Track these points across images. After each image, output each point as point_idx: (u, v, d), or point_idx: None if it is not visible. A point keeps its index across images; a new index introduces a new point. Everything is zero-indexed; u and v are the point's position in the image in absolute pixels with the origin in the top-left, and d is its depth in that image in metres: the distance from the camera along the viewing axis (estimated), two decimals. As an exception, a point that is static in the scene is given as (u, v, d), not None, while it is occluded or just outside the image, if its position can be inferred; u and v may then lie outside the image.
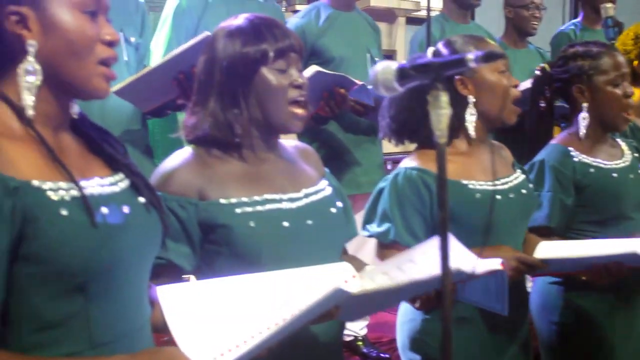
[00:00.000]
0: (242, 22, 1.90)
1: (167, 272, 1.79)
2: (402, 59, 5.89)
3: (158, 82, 2.74)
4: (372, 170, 3.68)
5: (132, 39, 2.99)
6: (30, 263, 1.29)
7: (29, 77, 1.34)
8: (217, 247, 1.83)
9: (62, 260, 1.29)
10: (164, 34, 3.22)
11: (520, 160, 3.90)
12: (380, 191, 2.28)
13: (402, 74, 1.55)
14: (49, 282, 1.31)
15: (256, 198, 1.84)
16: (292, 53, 1.90)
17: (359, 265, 2.01)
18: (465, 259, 1.82)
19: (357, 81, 3.26)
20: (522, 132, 2.84)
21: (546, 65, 2.79)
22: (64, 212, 1.30)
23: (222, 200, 1.82)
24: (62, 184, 1.33)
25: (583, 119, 2.65)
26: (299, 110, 1.90)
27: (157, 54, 3.19)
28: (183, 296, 1.59)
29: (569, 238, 2.59)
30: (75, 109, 1.47)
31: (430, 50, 2.34)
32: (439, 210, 1.53)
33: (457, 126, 2.27)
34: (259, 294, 1.60)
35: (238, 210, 1.82)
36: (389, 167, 4.42)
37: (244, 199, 1.83)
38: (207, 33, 2.61)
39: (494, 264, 1.89)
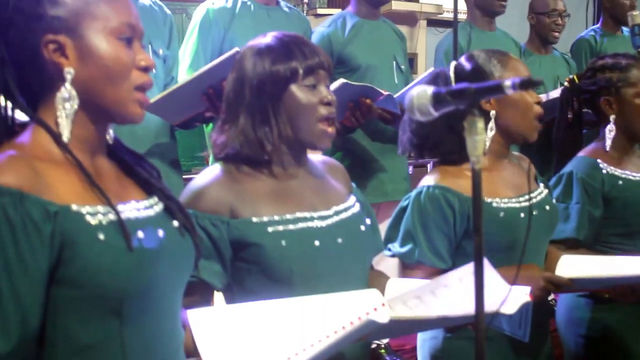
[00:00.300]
0: (271, 40, 1.90)
1: (198, 289, 1.80)
2: (423, 62, 5.89)
3: (187, 97, 2.76)
4: (398, 178, 3.68)
5: (160, 51, 3.01)
6: (68, 286, 1.31)
7: (67, 103, 1.37)
8: (248, 265, 1.84)
9: (99, 284, 1.32)
10: (191, 45, 3.24)
11: (548, 169, 3.90)
12: (403, 209, 2.26)
13: (438, 99, 1.55)
14: (85, 305, 1.33)
15: (288, 216, 1.85)
16: (321, 70, 1.90)
17: (384, 280, 2.02)
18: (497, 290, 1.79)
19: (383, 91, 3.26)
20: (549, 141, 2.85)
21: (575, 77, 2.79)
22: (102, 237, 1.32)
23: (254, 219, 1.83)
24: (100, 208, 1.35)
25: (610, 131, 2.65)
26: (329, 128, 1.91)
27: (185, 65, 3.22)
28: (214, 320, 1.59)
29: (596, 250, 2.58)
30: (111, 134, 1.50)
31: (453, 65, 2.33)
32: (474, 236, 1.54)
33: None
34: (289, 320, 1.60)
35: (270, 229, 1.82)
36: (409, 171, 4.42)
37: (276, 218, 1.84)
38: (236, 49, 2.63)
39: (522, 295, 1.85)
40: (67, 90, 1.37)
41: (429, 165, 4.56)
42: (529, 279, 2.08)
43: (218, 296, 1.96)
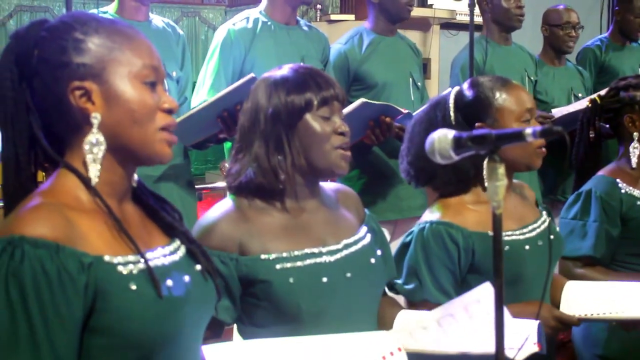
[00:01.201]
0: (286, 72, 1.93)
1: (209, 325, 1.82)
2: (436, 68, 5.88)
3: (203, 119, 2.81)
4: (414, 195, 3.67)
5: (174, 73, 3.06)
6: (100, 335, 1.34)
7: (95, 148, 1.40)
8: (257, 300, 1.86)
9: (130, 332, 1.35)
10: (213, 66, 3.26)
11: (561, 187, 3.91)
12: (406, 245, 2.24)
13: (459, 144, 1.56)
14: (116, 353, 1.35)
15: (296, 253, 1.86)
16: (335, 102, 1.92)
17: (396, 311, 2.02)
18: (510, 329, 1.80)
19: (402, 109, 3.28)
20: (567, 157, 2.86)
21: (597, 97, 2.80)
22: (133, 287, 1.35)
23: (263, 256, 1.85)
24: (131, 258, 1.38)
25: (634, 149, 2.66)
26: (345, 152, 1.92)
27: (206, 86, 3.24)
28: (230, 356, 1.62)
29: (611, 269, 2.59)
30: (135, 177, 1.52)
31: (453, 93, 2.29)
32: (494, 279, 1.55)
33: (473, 174, 2.21)
34: (304, 358, 1.62)
35: (278, 266, 1.84)
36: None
37: (284, 254, 1.85)
38: (252, 75, 2.68)
39: (531, 345, 1.83)
40: (94, 135, 1.40)
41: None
42: (540, 318, 2.08)
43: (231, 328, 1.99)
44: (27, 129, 1.42)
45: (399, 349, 1.62)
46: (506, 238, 2.18)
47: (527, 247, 2.20)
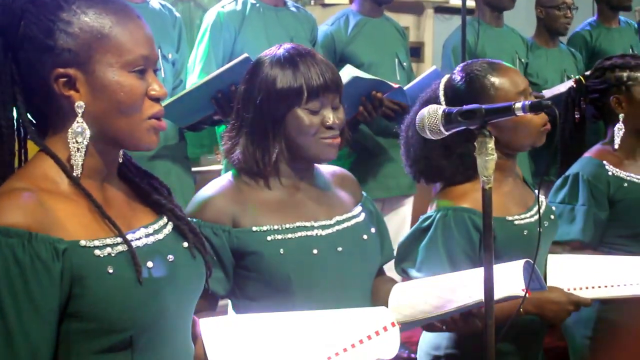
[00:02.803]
0: (283, 56, 1.89)
1: (203, 296, 1.82)
2: (430, 52, 5.88)
3: (197, 101, 2.80)
4: (401, 174, 3.67)
5: (169, 55, 3.05)
6: (79, 320, 1.31)
7: (79, 137, 1.34)
8: (249, 272, 1.87)
9: (109, 317, 1.32)
10: (203, 49, 3.26)
11: (554, 169, 3.91)
12: (422, 231, 2.18)
13: (449, 119, 1.57)
14: (96, 338, 1.33)
15: (287, 226, 1.88)
16: (327, 93, 1.89)
17: (391, 285, 2.03)
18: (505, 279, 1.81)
19: (393, 84, 3.29)
20: (552, 140, 2.84)
21: (581, 77, 2.79)
22: (110, 270, 1.32)
23: (254, 228, 1.86)
24: (108, 241, 1.34)
25: (619, 129, 2.66)
26: (333, 140, 1.91)
27: (197, 69, 3.24)
28: (225, 330, 1.62)
29: (600, 252, 2.59)
30: (120, 153, 1.47)
31: (443, 81, 2.24)
32: (485, 254, 1.56)
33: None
34: (299, 333, 1.63)
35: (269, 238, 1.86)
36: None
37: (275, 227, 1.87)
38: (245, 55, 2.67)
39: (519, 287, 1.82)
40: (79, 125, 1.34)
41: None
42: (557, 303, 2.12)
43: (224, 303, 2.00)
44: (11, 101, 1.36)
45: (392, 324, 1.62)
46: (522, 222, 2.18)
47: (540, 229, 2.19)
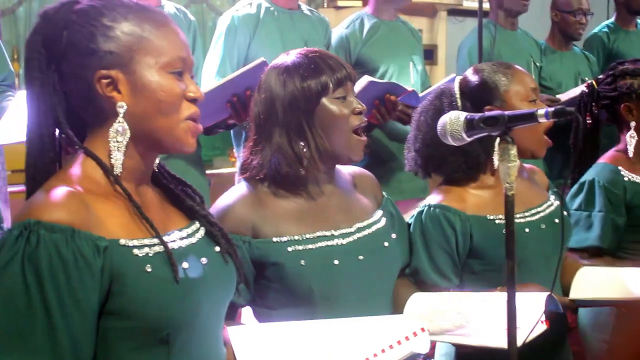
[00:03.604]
0: (296, 57, 1.91)
1: None
2: (443, 54, 5.89)
3: (212, 104, 2.79)
4: (414, 178, 3.66)
5: None
6: (117, 318, 1.35)
7: (119, 137, 1.41)
8: (270, 282, 1.87)
9: (147, 315, 1.36)
10: (218, 52, 3.28)
11: (563, 172, 3.90)
12: (407, 227, 2.24)
13: (471, 126, 1.57)
14: (134, 335, 1.36)
15: (308, 236, 1.87)
16: (349, 82, 1.92)
17: (412, 290, 2.04)
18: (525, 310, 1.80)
19: (407, 88, 3.29)
20: (567, 143, 2.85)
21: (594, 82, 2.78)
22: (149, 269, 1.36)
23: (275, 239, 1.86)
24: (146, 241, 1.39)
25: (631, 138, 2.64)
26: (362, 138, 1.93)
27: (211, 72, 3.25)
28: (254, 337, 1.63)
29: (618, 257, 2.58)
30: (157, 161, 1.53)
31: (457, 80, 2.30)
32: (507, 261, 1.56)
33: (484, 159, 2.21)
34: (328, 341, 1.63)
35: (289, 249, 1.85)
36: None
37: (296, 237, 1.87)
38: (262, 59, 2.67)
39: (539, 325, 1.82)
40: (120, 124, 1.40)
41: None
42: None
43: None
44: (53, 111, 1.42)
45: (422, 329, 1.63)
46: (504, 221, 2.17)
47: (527, 229, 2.19)
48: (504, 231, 2.10)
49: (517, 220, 2.17)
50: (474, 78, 2.26)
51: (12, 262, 1.27)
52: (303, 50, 1.94)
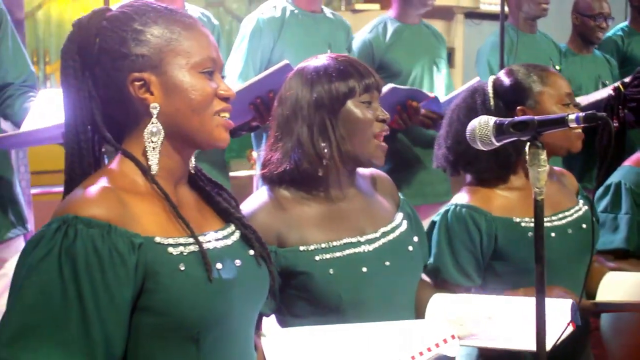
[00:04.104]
0: (326, 61, 1.92)
1: None
2: (460, 57, 5.89)
3: (235, 106, 2.78)
4: (438, 181, 3.71)
5: None
6: (149, 314, 1.37)
7: (154, 137, 1.44)
8: (297, 292, 1.87)
9: (179, 313, 1.37)
10: (242, 53, 3.31)
11: (588, 175, 3.89)
12: (432, 225, 2.26)
13: (500, 130, 1.57)
14: (165, 332, 1.38)
15: (335, 243, 1.87)
16: (375, 90, 1.93)
17: (432, 291, 2.05)
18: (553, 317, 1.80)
19: (429, 93, 3.30)
20: (592, 146, 2.85)
21: (621, 86, 2.78)
22: (182, 267, 1.38)
23: (301, 248, 1.85)
24: (182, 240, 1.41)
25: None
26: (383, 144, 1.93)
27: (235, 73, 3.28)
28: (285, 342, 1.64)
29: None
30: (193, 163, 1.55)
31: (491, 80, 2.31)
32: (536, 266, 1.56)
33: (514, 160, 2.22)
34: (357, 345, 1.64)
35: (317, 258, 1.85)
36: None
37: (323, 245, 1.86)
38: (286, 61, 2.67)
39: (566, 321, 1.84)
40: (154, 125, 1.43)
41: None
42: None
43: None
44: (90, 116, 1.45)
45: (452, 337, 1.63)
46: (530, 224, 2.15)
47: (552, 234, 2.19)
48: (529, 234, 2.15)
49: (544, 225, 2.19)
50: (508, 78, 2.28)
51: (49, 254, 1.30)
52: (333, 55, 1.95)
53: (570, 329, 1.84)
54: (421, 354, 1.58)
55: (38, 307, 1.29)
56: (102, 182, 1.40)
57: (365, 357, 1.61)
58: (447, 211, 2.23)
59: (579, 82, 4.21)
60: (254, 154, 4.03)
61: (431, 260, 2.22)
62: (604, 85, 4.15)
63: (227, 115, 1.49)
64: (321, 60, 1.93)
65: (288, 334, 1.67)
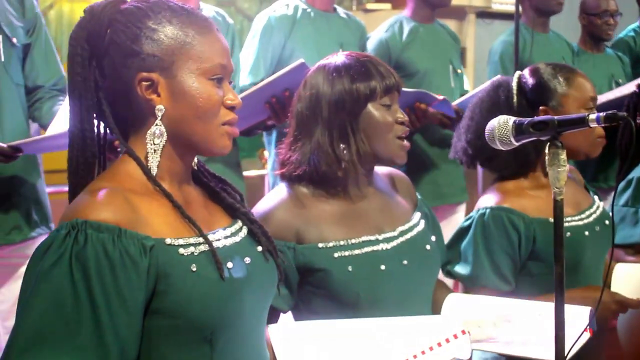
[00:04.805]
0: (347, 59, 1.90)
1: None
2: (471, 56, 5.87)
3: (251, 106, 2.80)
4: (454, 181, 3.71)
5: None
6: (162, 316, 1.35)
7: (156, 139, 1.41)
8: (315, 288, 1.86)
9: (192, 314, 1.36)
10: (252, 51, 3.31)
11: (603, 175, 3.88)
12: (464, 230, 2.24)
13: (520, 130, 1.56)
14: (178, 334, 1.37)
15: (353, 241, 1.86)
16: (395, 91, 1.92)
17: (447, 291, 2.04)
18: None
19: (437, 96, 3.29)
20: (613, 145, 2.85)
21: None
22: (194, 268, 1.37)
23: (320, 245, 1.85)
24: (192, 240, 1.40)
25: None
26: (405, 142, 1.92)
27: (245, 70, 3.29)
28: (295, 336, 1.63)
29: None
30: (195, 160, 1.53)
31: (516, 76, 2.30)
32: (555, 266, 1.55)
33: (534, 157, 2.22)
34: (368, 340, 1.63)
35: (336, 255, 1.84)
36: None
37: (341, 243, 1.86)
38: (301, 60, 2.67)
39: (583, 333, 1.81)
40: (157, 127, 1.41)
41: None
42: (604, 304, 2.07)
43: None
44: (96, 106, 1.43)
45: (463, 332, 1.62)
46: (566, 224, 2.14)
47: (586, 233, 2.20)
48: (567, 234, 2.13)
49: (575, 223, 2.20)
50: (533, 77, 2.27)
51: (60, 260, 1.28)
52: (354, 53, 1.94)
53: (587, 335, 1.83)
54: (431, 349, 1.57)
55: (50, 314, 1.27)
56: (109, 184, 1.38)
57: (374, 351, 1.60)
58: (482, 215, 2.20)
59: (593, 81, 4.18)
60: (265, 153, 4.03)
61: (466, 267, 2.20)
62: (617, 84, 4.14)
63: (232, 125, 1.47)
64: (342, 58, 1.91)
65: (297, 328, 1.66)
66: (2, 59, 2.62)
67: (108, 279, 1.29)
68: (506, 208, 2.18)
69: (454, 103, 3.34)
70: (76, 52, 1.41)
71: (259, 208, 1.91)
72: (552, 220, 2.13)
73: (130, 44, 1.39)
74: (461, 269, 2.21)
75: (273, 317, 1.85)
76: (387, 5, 5.49)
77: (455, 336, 1.61)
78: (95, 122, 1.45)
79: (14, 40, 2.65)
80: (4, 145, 2.52)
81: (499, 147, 1.59)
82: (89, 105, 1.42)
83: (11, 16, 2.67)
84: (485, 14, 6.08)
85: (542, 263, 2.16)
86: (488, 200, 2.24)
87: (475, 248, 2.18)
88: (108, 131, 1.46)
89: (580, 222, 2.22)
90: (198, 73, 1.41)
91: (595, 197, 2.37)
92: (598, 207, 2.32)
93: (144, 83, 1.40)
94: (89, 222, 1.30)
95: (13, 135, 2.61)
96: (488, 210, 2.20)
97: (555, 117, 1.52)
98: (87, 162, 1.43)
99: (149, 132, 1.41)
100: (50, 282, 1.28)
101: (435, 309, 2.00)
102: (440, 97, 3.28)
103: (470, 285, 2.20)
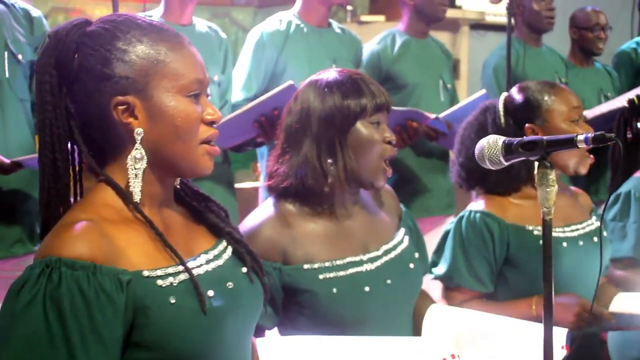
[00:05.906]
0: (339, 76, 1.91)
1: None
2: (465, 68, 5.87)
3: (241, 124, 2.87)
4: (441, 194, 3.74)
5: (215, 77, 3.11)
6: (142, 349, 1.33)
7: (137, 163, 1.36)
8: (300, 308, 1.87)
9: (173, 346, 1.33)
10: (245, 67, 3.33)
11: (598, 186, 3.89)
12: (447, 233, 2.32)
13: (509, 150, 1.57)
14: None
15: (338, 262, 1.87)
16: (385, 110, 1.93)
17: (429, 302, 2.05)
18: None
19: (429, 115, 3.31)
20: (605, 158, 2.86)
21: (635, 98, 2.80)
22: (172, 300, 1.33)
23: (305, 266, 1.86)
24: (170, 269, 1.36)
25: None
26: (388, 168, 1.93)
27: (238, 85, 3.31)
28: (283, 350, 1.63)
29: None
30: (177, 180, 1.49)
31: (502, 97, 2.36)
32: (544, 286, 1.55)
33: (524, 173, 2.27)
34: (356, 356, 1.63)
35: (321, 277, 1.86)
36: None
37: (327, 264, 1.87)
38: (291, 82, 2.72)
39: (559, 345, 1.83)
40: (138, 151, 1.36)
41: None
42: (564, 306, 2.11)
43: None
44: (67, 135, 1.38)
45: (452, 356, 1.63)
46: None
47: (564, 244, 2.24)
48: (541, 242, 2.13)
49: (555, 234, 2.24)
50: (518, 96, 2.33)
51: (34, 300, 1.25)
52: (346, 70, 1.95)
53: (565, 352, 1.84)
54: None
55: (25, 355, 1.24)
56: (84, 216, 1.33)
57: None
58: (461, 217, 2.29)
59: (582, 95, 4.15)
60: (259, 165, 4.04)
61: (444, 266, 2.28)
62: (607, 98, 4.16)
63: (212, 142, 1.42)
64: (334, 74, 1.92)
65: (285, 342, 1.67)
66: (7, 75, 2.63)
67: (83, 318, 1.25)
68: (484, 211, 2.27)
69: (441, 115, 3.36)
70: (44, 80, 1.36)
71: (246, 224, 1.91)
72: (528, 227, 2.25)
73: (101, 68, 1.34)
74: (439, 268, 2.31)
75: (257, 334, 1.85)
76: (381, 18, 5.50)
77: (451, 357, 1.61)
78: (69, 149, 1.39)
79: (20, 56, 2.66)
80: (7, 160, 2.53)
81: (489, 166, 1.60)
82: (60, 135, 1.37)
83: (18, 34, 2.68)
84: (479, 26, 6.08)
85: (517, 269, 2.23)
86: (472, 205, 2.33)
87: (452, 249, 2.27)
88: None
89: (562, 234, 2.27)
90: (174, 91, 1.37)
91: (594, 218, 2.41)
92: (590, 226, 2.36)
93: (120, 107, 1.35)
94: (63, 260, 1.26)
95: (18, 149, 2.62)
96: (466, 214, 2.29)
97: (545, 138, 1.53)
98: (60, 193, 1.39)
99: (129, 156, 1.36)
100: (24, 324, 1.24)
101: (417, 319, 2.01)
102: (432, 116, 3.30)
103: (447, 283, 2.28)
